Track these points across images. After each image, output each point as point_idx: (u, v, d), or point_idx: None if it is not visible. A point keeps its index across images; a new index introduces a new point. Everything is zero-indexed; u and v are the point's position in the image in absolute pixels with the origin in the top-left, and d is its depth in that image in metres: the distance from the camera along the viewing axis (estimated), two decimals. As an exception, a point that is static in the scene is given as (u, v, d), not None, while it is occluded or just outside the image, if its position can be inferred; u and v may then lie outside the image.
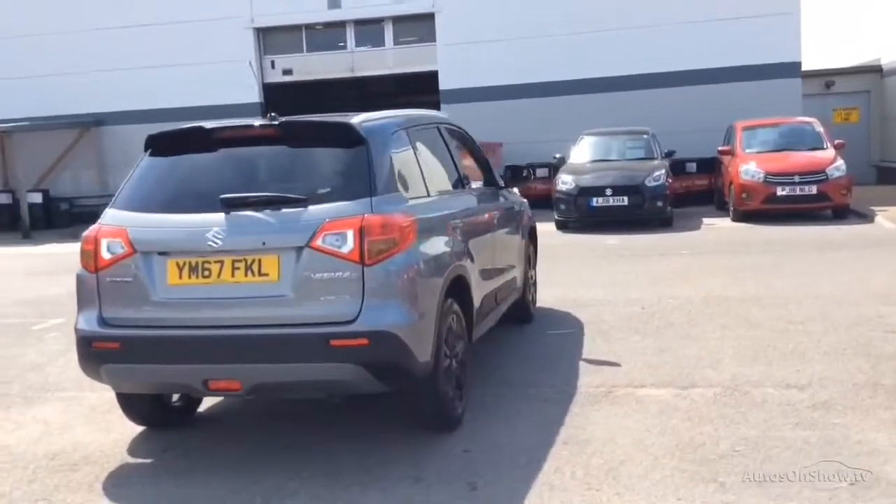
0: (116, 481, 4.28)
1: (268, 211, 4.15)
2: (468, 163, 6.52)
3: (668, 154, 14.98)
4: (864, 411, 4.66)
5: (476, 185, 6.49)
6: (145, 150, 4.65)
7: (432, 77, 19.72)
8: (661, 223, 13.69)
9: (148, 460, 4.59)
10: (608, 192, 13.49)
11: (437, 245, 4.58)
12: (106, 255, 4.30)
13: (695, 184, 17.56)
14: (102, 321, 4.31)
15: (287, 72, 20.46)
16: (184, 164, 4.54)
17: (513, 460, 4.25)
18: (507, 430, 4.69)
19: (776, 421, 4.58)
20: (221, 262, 4.13)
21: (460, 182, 5.59)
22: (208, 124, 4.55)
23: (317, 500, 3.91)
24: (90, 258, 4.35)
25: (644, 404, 4.97)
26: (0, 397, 5.81)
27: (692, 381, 5.35)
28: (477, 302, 5.20)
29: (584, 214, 13.74)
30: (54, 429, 5.12)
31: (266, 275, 4.09)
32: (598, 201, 13.52)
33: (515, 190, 7.39)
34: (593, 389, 5.29)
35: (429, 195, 4.79)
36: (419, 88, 20.71)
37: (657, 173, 13.64)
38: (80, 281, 4.42)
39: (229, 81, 20.17)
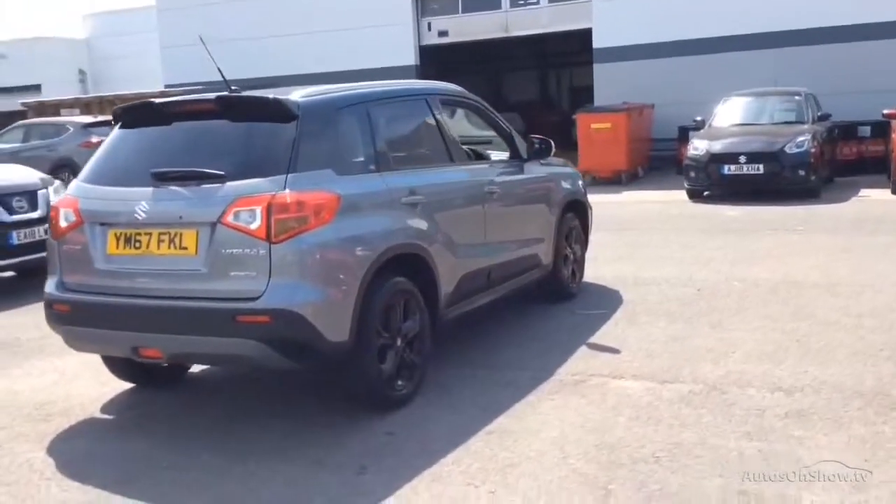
0: (68, 435, 4.60)
1: (189, 185, 4.24)
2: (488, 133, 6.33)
3: (823, 117, 13.62)
4: (839, 424, 4.10)
5: (499, 157, 6.30)
6: (114, 123, 4.88)
7: (586, 36, 19.07)
8: (804, 194, 12.51)
9: (110, 416, 4.90)
10: (742, 159, 12.48)
11: (372, 222, 4.47)
12: (63, 223, 4.59)
13: (868, 150, 15.85)
14: (61, 285, 4.61)
15: (442, 33, 20.56)
16: (135, 138, 4.72)
17: (425, 447, 4.13)
18: (446, 414, 4.56)
19: (727, 427, 4.14)
20: (150, 234, 4.29)
21: (449, 155, 5.40)
22: (159, 99, 4.70)
23: (211, 472, 4.00)
24: (53, 226, 4.66)
25: (606, 397, 4.66)
26: (45, 346, 6.35)
27: (678, 375, 4.94)
28: (449, 280, 5.05)
29: (714, 183, 12.83)
30: (63, 379, 5.56)
31: (185, 248, 4.21)
32: (730, 169, 12.55)
33: (559, 161, 7.07)
34: (568, 377, 5.02)
35: (379, 171, 4.68)
36: (572, 48, 20.13)
37: (800, 139, 12.45)
38: (48, 247, 4.76)
39: (389, 45, 20.59)
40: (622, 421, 4.31)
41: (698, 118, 14.31)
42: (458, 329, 5.69)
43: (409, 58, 20.67)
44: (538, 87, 32.08)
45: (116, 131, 4.82)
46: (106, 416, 4.90)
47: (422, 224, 4.83)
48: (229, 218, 4.09)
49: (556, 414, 4.45)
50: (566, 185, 6.84)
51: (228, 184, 4.17)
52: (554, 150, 6.42)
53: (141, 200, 4.28)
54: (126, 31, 39.29)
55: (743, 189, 12.71)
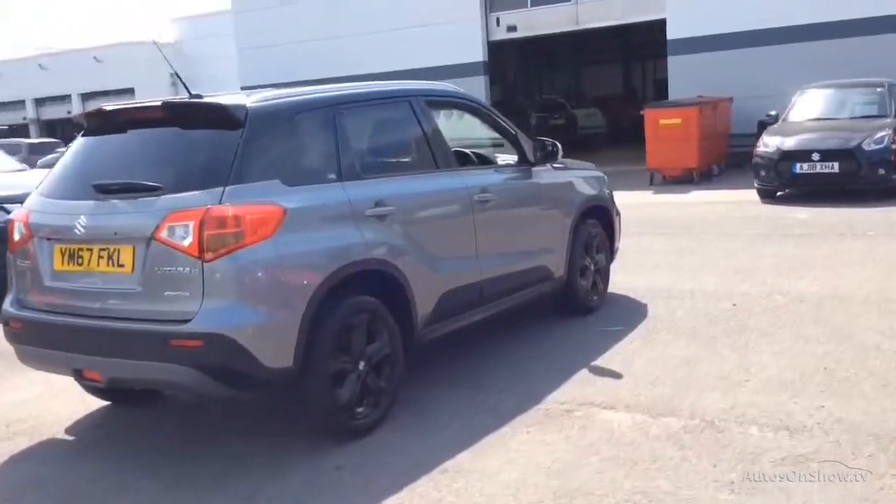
0: (23, 456, 4.45)
1: (127, 199, 3.99)
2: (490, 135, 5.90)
3: (906, 110, 12.54)
4: (841, 476, 3.53)
5: (504, 161, 5.89)
6: (76, 132, 4.69)
7: (659, 27, 18.26)
8: (884, 194, 11.50)
9: (71, 437, 4.72)
10: (815, 156, 11.57)
11: (326, 237, 4.12)
12: (16, 237, 4.42)
13: (967, 146, 14.60)
14: (17, 301, 4.45)
15: (511, 28, 20.09)
16: (90, 147, 4.50)
17: (370, 484, 3.79)
18: (409, 444, 4.20)
19: (710, 474, 3.63)
20: (91, 249, 4.07)
21: (433, 161, 5.00)
22: (109, 106, 4.47)
23: (145, 500, 3.81)
24: (10, 240, 4.50)
25: (587, 432, 4.20)
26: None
27: (676, 407, 4.42)
28: (427, 298, 4.67)
29: (785, 182, 11.94)
30: (48, 394, 5.41)
31: (122, 266, 3.97)
32: (802, 167, 11.65)
33: (581, 163, 6.59)
34: (555, 406, 4.57)
35: (341, 180, 4.32)
36: (656, 39, 19.32)
37: (880, 135, 11.46)
38: (7, 261, 4.60)
39: (456, 41, 20.25)
40: (594, 462, 3.84)
41: (772, 112, 13.39)
42: (453, 344, 5.32)
43: (478, 54, 20.27)
44: (620, 80, 31.17)
45: (78, 140, 4.63)
46: (67, 437, 4.72)
47: (389, 237, 4.46)
48: (163, 233, 3.82)
49: (525, 450, 4.02)
50: (586, 189, 6.33)
51: (164, 197, 3.90)
52: (561, 152, 5.92)
53: (81, 214, 4.06)
54: (213, 33, 40.10)
55: (817, 189, 11.79)
